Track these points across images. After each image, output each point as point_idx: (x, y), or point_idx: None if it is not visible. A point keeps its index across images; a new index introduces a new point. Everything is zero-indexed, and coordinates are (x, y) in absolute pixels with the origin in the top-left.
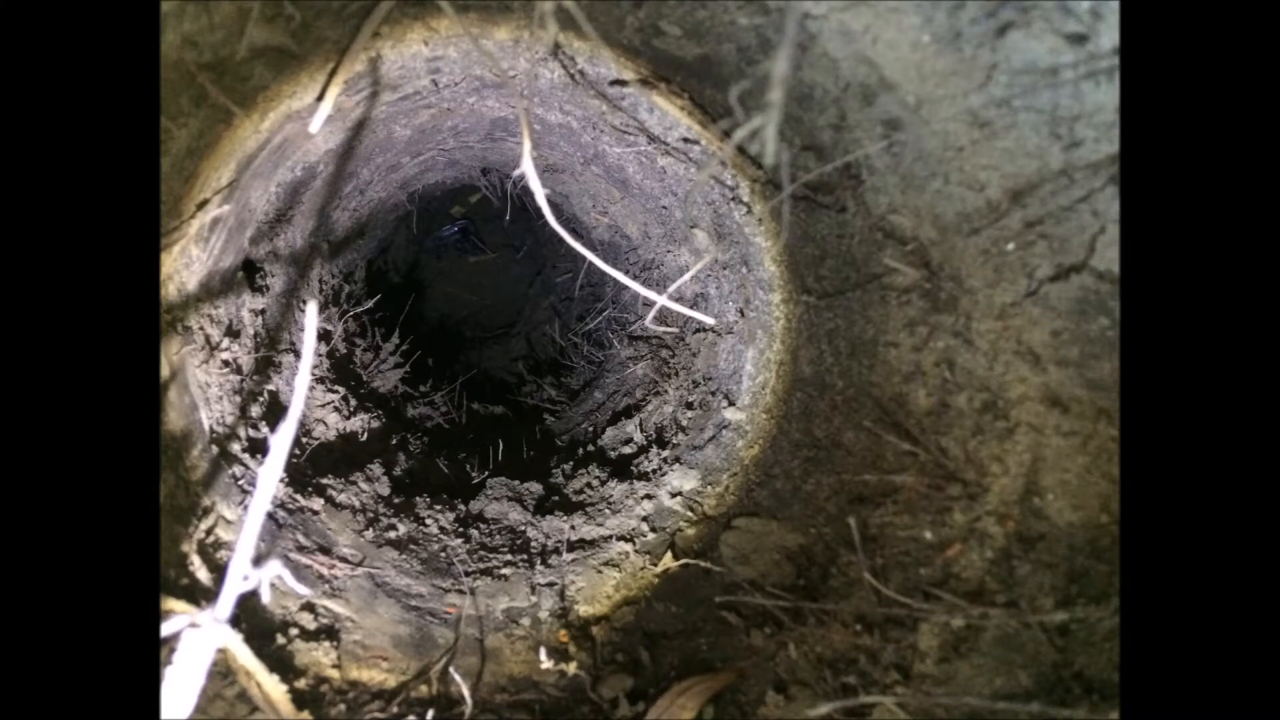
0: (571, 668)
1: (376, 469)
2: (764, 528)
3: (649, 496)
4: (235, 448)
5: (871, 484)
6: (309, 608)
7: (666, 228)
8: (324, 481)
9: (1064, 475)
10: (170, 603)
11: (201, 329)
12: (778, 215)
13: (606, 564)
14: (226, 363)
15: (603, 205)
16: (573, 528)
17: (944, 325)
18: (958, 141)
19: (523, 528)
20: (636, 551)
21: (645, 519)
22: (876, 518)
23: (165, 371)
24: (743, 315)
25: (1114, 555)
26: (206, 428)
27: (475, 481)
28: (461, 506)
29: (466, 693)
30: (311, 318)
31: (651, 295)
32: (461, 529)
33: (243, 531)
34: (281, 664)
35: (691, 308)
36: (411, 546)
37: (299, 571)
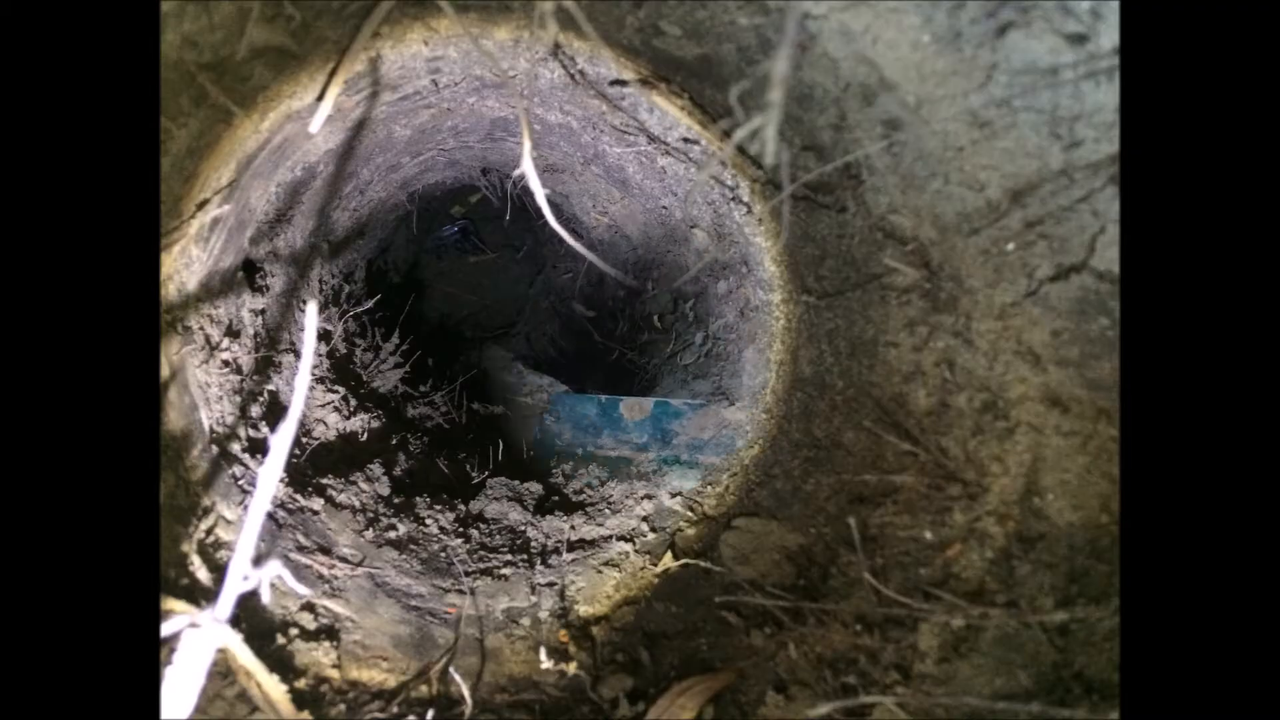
0: (571, 668)
1: (376, 469)
2: (764, 528)
3: (649, 496)
4: (235, 448)
5: (871, 484)
6: (309, 608)
7: (666, 228)
8: (324, 481)
9: (1064, 475)
10: (170, 603)
11: (201, 329)
12: (778, 215)
13: (606, 564)
14: (226, 363)
15: (603, 205)
16: (573, 528)
17: (944, 325)
18: (958, 141)
19: (523, 528)
20: (636, 551)
21: (645, 519)
22: (876, 518)
23: (165, 371)
24: (743, 315)
25: (1114, 555)
26: (206, 428)
27: (475, 481)
28: (461, 506)
29: (466, 693)
30: (311, 318)
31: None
32: (461, 529)
33: (243, 531)
34: (281, 664)
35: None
36: (411, 546)
37: (299, 571)
